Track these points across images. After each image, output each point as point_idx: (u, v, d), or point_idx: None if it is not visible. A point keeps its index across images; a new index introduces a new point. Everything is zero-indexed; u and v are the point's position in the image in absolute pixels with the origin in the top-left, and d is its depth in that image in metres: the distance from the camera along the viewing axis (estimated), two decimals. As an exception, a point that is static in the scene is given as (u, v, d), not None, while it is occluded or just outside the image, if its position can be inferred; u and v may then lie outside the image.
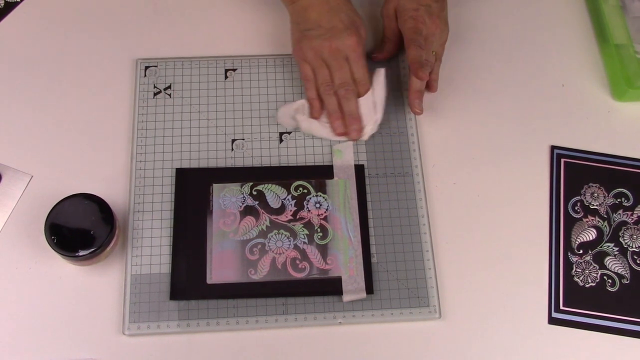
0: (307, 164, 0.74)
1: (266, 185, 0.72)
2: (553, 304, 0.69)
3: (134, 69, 0.78)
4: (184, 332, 0.66)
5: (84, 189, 0.67)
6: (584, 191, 0.75)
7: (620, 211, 0.74)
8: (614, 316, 0.69)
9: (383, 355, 0.66)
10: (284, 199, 0.71)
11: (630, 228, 0.73)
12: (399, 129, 0.76)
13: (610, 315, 0.69)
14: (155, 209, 0.71)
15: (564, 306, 0.69)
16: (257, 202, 0.71)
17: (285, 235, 0.70)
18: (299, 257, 0.69)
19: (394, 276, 0.69)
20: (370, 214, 0.72)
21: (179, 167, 0.73)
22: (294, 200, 0.71)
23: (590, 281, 0.71)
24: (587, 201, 0.74)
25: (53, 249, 0.64)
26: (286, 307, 0.67)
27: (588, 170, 0.76)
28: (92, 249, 0.64)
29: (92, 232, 0.64)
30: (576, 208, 0.74)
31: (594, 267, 0.71)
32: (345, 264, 0.69)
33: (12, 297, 0.67)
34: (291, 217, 0.71)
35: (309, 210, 0.71)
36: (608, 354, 0.68)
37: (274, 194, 0.71)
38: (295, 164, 0.74)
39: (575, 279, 0.71)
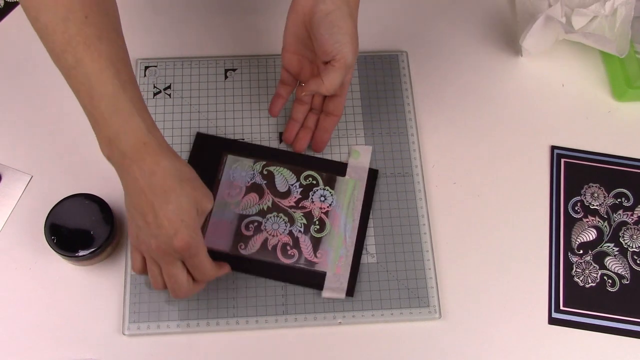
0: (324, 156, 0.74)
1: (278, 167, 0.72)
2: (553, 304, 0.69)
3: (134, 69, 0.78)
4: (184, 332, 0.66)
5: (84, 189, 0.67)
6: (584, 191, 0.75)
7: (621, 211, 0.74)
8: (614, 316, 0.69)
9: (383, 355, 0.66)
10: (292, 185, 0.72)
11: (631, 228, 0.73)
12: (399, 129, 0.76)
13: (610, 316, 0.69)
14: (155, 209, 0.71)
15: (564, 306, 0.69)
16: (265, 182, 0.72)
17: (284, 220, 0.70)
18: (291, 243, 0.69)
19: (394, 276, 0.69)
20: (370, 213, 0.72)
21: (199, 132, 0.74)
22: (301, 189, 0.72)
23: (590, 281, 0.71)
24: (587, 201, 0.74)
25: (53, 249, 0.64)
26: (286, 307, 0.67)
27: (588, 170, 0.76)
28: (92, 249, 0.64)
29: (92, 232, 0.64)
30: (576, 208, 0.74)
31: (594, 267, 0.71)
32: (334, 261, 0.69)
33: (12, 297, 0.67)
34: (294, 204, 0.71)
35: (312, 202, 0.71)
36: (608, 354, 0.68)
37: (283, 177, 0.72)
38: (312, 154, 0.74)
39: (576, 279, 0.71)
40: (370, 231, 0.71)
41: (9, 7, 0.81)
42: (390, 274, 0.69)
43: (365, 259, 0.70)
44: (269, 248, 0.69)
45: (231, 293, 0.68)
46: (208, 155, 0.73)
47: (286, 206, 0.71)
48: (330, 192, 0.72)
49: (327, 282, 0.68)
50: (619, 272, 0.71)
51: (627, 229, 0.73)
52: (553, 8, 0.77)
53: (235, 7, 0.83)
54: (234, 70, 0.79)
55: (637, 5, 0.79)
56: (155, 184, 0.55)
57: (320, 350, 0.66)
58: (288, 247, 0.69)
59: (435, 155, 0.76)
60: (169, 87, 0.77)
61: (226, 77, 0.78)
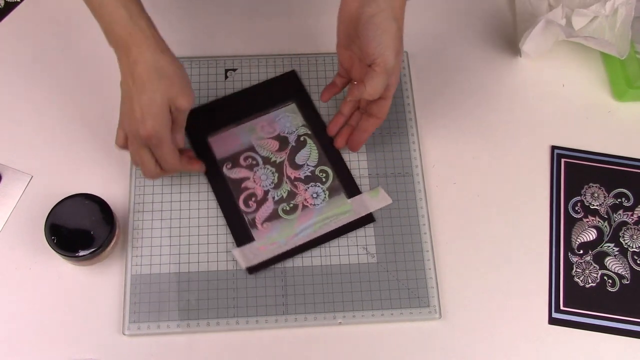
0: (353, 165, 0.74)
1: (313, 144, 0.74)
2: (553, 304, 0.69)
3: (134, 69, 0.78)
4: (184, 332, 0.66)
5: (84, 189, 0.67)
6: (584, 191, 0.75)
7: (621, 211, 0.74)
8: (614, 316, 0.69)
9: (383, 355, 0.66)
10: (307, 165, 0.73)
11: (631, 228, 0.73)
12: (399, 129, 0.76)
13: (611, 316, 0.69)
14: (155, 209, 0.71)
15: (564, 306, 0.69)
16: (293, 145, 0.74)
17: (272, 179, 0.72)
18: (258, 198, 0.71)
19: (394, 276, 0.69)
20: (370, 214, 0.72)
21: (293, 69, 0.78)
22: (309, 175, 0.73)
23: (590, 281, 0.71)
24: (587, 201, 0.74)
25: (53, 249, 0.64)
26: (286, 307, 0.67)
27: (588, 170, 0.76)
28: (92, 249, 0.64)
29: (92, 232, 0.64)
30: (576, 208, 0.74)
31: (594, 267, 0.71)
32: (269, 240, 0.69)
33: (12, 297, 0.67)
34: (292, 178, 0.72)
35: (305, 190, 0.72)
36: (608, 354, 0.68)
37: (308, 154, 0.74)
38: (348, 153, 0.75)
39: (576, 279, 0.71)
40: (370, 231, 0.71)
41: (9, 7, 0.81)
42: (390, 274, 0.69)
43: (365, 259, 0.70)
44: (241, 186, 0.72)
45: (231, 293, 0.68)
46: (283, 88, 0.77)
47: (286, 173, 0.72)
48: (324, 197, 0.72)
49: (245, 248, 0.69)
50: (619, 272, 0.71)
51: (627, 229, 0.73)
52: (553, 12, 0.76)
53: (235, 7, 0.83)
54: (234, 70, 0.79)
55: (637, 6, 0.79)
56: (136, 74, 0.61)
57: (320, 350, 0.66)
58: (253, 199, 0.71)
59: (435, 155, 0.76)
60: (169, 87, 0.77)
61: (226, 77, 0.78)
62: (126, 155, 0.73)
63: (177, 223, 0.70)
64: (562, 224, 0.73)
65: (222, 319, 0.66)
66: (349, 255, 0.70)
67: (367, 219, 0.71)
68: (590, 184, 0.75)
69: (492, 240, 0.72)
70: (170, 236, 0.69)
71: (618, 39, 0.77)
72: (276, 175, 0.72)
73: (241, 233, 0.69)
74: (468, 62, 0.81)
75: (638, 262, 0.72)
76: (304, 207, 0.71)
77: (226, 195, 0.71)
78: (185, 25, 0.81)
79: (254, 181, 0.72)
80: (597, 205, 0.74)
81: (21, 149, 0.73)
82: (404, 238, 0.71)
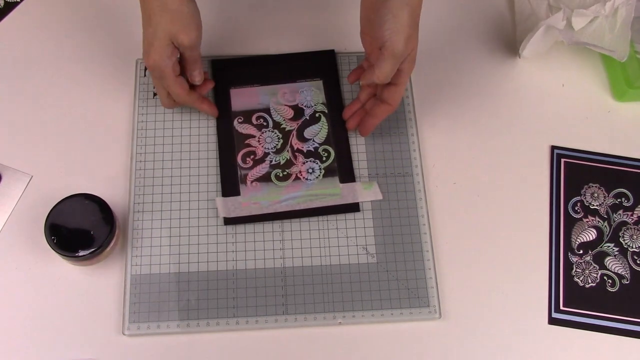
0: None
1: (325, 122, 0.75)
2: (553, 304, 0.69)
3: (134, 69, 0.78)
4: (184, 332, 0.66)
5: (84, 189, 0.67)
6: (584, 191, 0.75)
7: (621, 211, 0.74)
8: (614, 316, 0.69)
9: (383, 355, 0.66)
10: (314, 141, 0.74)
11: (631, 228, 0.73)
12: (399, 129, 0.76)
13: (610, 316, 0.69)
14: (155, 209, 0.71)
15: (564, 306, 0.69)
16: (306, 118, 0.75)
17: (276, 145, 0.74)
18: (257, 157, 0.73)
19: (394, 276, 0.69)
20: (370, 214, 0.72)
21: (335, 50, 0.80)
22: (312, 150, 0.74)
23: (590, 281, 0.71)
24: (587, 201, 0.74)
25: (53, 249, 0.64)
26: (286, 307, 0.67)
27: (588, 170, 0.76)
28: (92, 249, 0.64)
29: (92, 232, 0.64)
30: (576, 208, 0.74)
31: (594, 267, 0.71)
32: (251, 198, 0.71)
33: (12, 297, 0.67)
34: (295, 149, 0.73)
35: (303, 163, 0.73)
36: (608, 354, 0.68)
37: (318, 130, 0.75)
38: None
39: (575, 279, 0.71)
40: (370, 231, 0.71)
41: (9, 7, 0.81)
42: (390, 274, 0.69)
43: (365, 258, 0.70)
44: (245, 142, 0.74)
45: (231, 293, 0.68)
46: (317, 64, 0.78)
47: (290, 142, 0.74)
48: (318, 175, 0.73)
49: (228, 200, 0.70)
50: (619, 272, 0.71)
51: (627, 229, 0.73)
52: (554, 17, 0.76)
53: (235, 7, 0.83)
54: None
55: (637, 6, 0.79)
56: (146, 7, 0.65)
57: (320, 350, 0.66)
58: (252, 157, 0.73)
59: (435, 155, 0.76)
60: (169, 87, 0.77)
61: None
62: (126, 156, 0.73)
63: (177, 223, 0.70)
64: (562, 224, 0.73)
65: (222, 319, 0.66)
66: (348, 255, 0.70)
67: (351, 207, 0.71)
68: (590, 184, 0.75)
69: (492, 240, 0.72)
70: (170, 236, 0.70)
71: (618, 40, 0.77)
72: (281, 141, 0.74)
73: (230, 185, 0.71)
74: (468, 62, 0.81)
75: (638, 262, 0.72)
76: (297, 178, 0.72)
77: (228, 146, 0.73)
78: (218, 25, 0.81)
79: (258, 141, 0.74)
80: (597, 205, 0.74)
81: (21, 149, 0.73)
82: (404, 238, 0.71)
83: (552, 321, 0.69)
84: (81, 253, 0.64)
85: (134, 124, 0.74)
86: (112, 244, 0.66)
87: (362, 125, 0.73)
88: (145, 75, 0.77)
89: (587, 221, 0.73)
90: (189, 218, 0.71)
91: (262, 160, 0.73)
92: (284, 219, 0.71)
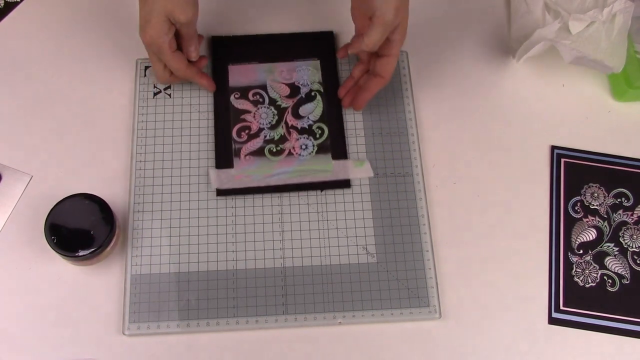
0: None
1: (320, 100, 0.76)
2: (553, 304, 0.69)
3: (134, 69, 0.78)
4: (184, 332, 0.66)
5: (84, 189, 0.67)
6: (584, 191, 0.75)
7: (621, 211, 0.74)
8: (614, 316, 0.69)
9: (383, 355, 0.66)
10: (308, 119, 0.75)
11: (631, 228, 0.73)
12: (399, 129, 0.76)
13: (611, 316, 0.69)
14: (155, 209, 0.71)
15: (564, 306, 0.69)
16: (302, 96, 0.76)
17: (271, 120, 0.75)
18: (251, 132, 0.74)
19: (394, 276, 0.69)
20: (370, 214, 0.72)
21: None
22: (306, 127, 0.75)
23: (590, 281, 0.71)
24: (587, 201, 0.74)
25: (53, 249, 0.64)
26: (286, 307, 0.67)
27: (588, 170, 0.76)
28: (92, 249, 0.64)
29: (92, 232, 0.64)
30: (576, 208, 0.74)
31: (594, 267, 0.71)
32: (243, 172, 0.72)
33: (12, 297, 0.67)
34: (289, 125, 0.75)
35: (297, 139, 0.74)
36: (608, 354, 0.68)
37: (313, 108, 0.76)
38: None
39: (575, 279, 0.71)
40: (370, 231, 0.71)
41: (9, 7, 0.81)
42: (390, 274, 0.69)
43: (365, 258, 0.70)
44: (240, 117, 0.75)
45: (231, 293, 0.68)
46: (315, 44, 0.79)
47: (286, 118, 0.75)
48: (311, 151, 0.74)
49: (222, 172, 0.72)
50: (619, 272, 0.71)
51: (627, 229, 0.73)
52: (549, 28, 0.76)
53: (234, 7, 0.83)
54: None
55: (637, 6, 0.79)
56: None
57: (320, 350, 0.66)
58: (247, 131, 0.74)
59: (435, 155, 0.76)
60: (169, 87, 0.77)
61: None
62: (126, 156, 0.73)
63: (177, 223, 0.70)
64: (562, 224, 0.73)
65: (222, 319, 0.67)
66: (348, 255, 0.70)
67: (343, 184, 0.73)
68: (590, 183, 0.75)
69: (492, 240, 0.72)
70: (170, 236, 0.70)
71: (614, 47, 0.76)
72: (276, 117, 0.75)
73: (224, 158, 0.73)
74: (468, 62, 0.81)
75: (638, 262, 0.72)
76: (290, 154, 0.74)
77: (224, 120, 0.75)
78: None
79: (254, 116, 0.75)
80: (597, 205, 0.74)
81: (21, 149, 0.73)
82: (404, 238, 0.71)
83: (552, 321, 0.69)
84: (81, 253, 0.64)
85: (134, 124, 0.74)
86: (112, 244, 0.66)
87: (355, 100, 0.74)
88: (145, 75, 0.77)
89: (587, 221, 0.73)
90: (189, 218, 0.71)
91: (256, 135, 0.74)
92: (274, 193, 0.72)
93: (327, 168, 0.73)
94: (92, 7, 0.81)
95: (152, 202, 0.71)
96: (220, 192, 0.71)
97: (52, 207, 0.65)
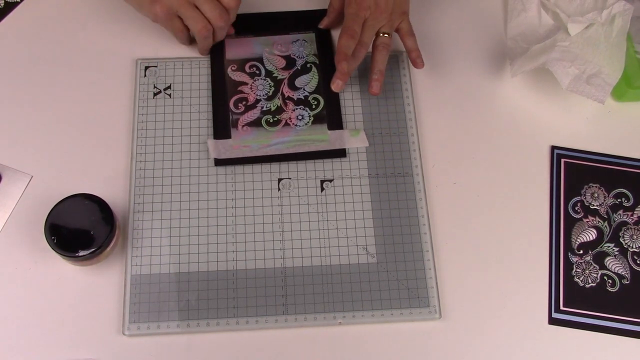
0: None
1: (315, 74, 0.78)
2: (553, 304, 0.69)
3: (134, 69, 0.78)
4: (184, 333, 0.66)
5: (84, 189, 0.67)
6: (584, 191, 0.75)
7: (621, 211, 0.74)
8: (614, 316, 0.69)
9: (383, 355, 0.66)
10: (304, 90, 0.77)
11: (631, 228, 0.73)
12: (399, 129, 0.76)
13: (611, 316, 0.69)
14: (155, 209, 0.71)
15: (564, 306, 0.69)
16: (298, 68, 0.78)
17: (268, 92, 0.76)
18: (248, 103, 0.75)
19: (394, 276, 0.69)
20: (370, 214, 0.72)
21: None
22: (301, 98, 0.76)
23: (590, 281, 0.71)
24: (587, 201, 0.74)
25: (53, 249, 0.64)
26: (286, 307, 0.67)
27: (588, 170, 0.76)
28: (92, 249, 0.64)
29: (92, 232, 0.64)
30: (576, 208, 0.74)
31: (594, 267, 0.71)
32: (241, 142, 0.73)
33: (12, 297, 0.67)
34: (286, 95, 0.76)
35: (293, 110, 0.76)
36: (608, 354, 0.68)
37: (308, 80, 0.77)
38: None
39: (576, 279, 0.71)
40: (370, 231, 0.71)
41: (9, 7, 0.81)
42: (390, 274, 0.69)
43: (365, 259, 0.70)
44: (237, 88, 0.76)
45: (231, 293, 0.68)
46: (310, 19, 0.81)
47: (282, 90, 0.76)
48: (307, 121, 0.75)
49: (220, 142, 0.73)
50: (619, 272, 0.71)
51: (627, 229, 0.73)
52: (546, 49, 0.76)
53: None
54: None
55: (637, 6, 0.79)
56: None
57: (320, 350, 0.66)
58: (244, 102, 0.76)
59: (435, 155, 0.76)
60: (169, 87, 0.77)
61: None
62: (126, 156, 0.73)
63: (177, 223, 0.70)
64: (562, 224, 0.73)
65: (222, 319, 0.67)
66: (348, 255, 0.70)
67: (338, 153, 0.74)
68: (590, 184, 0.75)
69: (492, 240, 0.72)
70: (170, 236, 0.70)
71: (613, 49, 0.76)
72: (272, 89, 0.77)
73: (221, 129, 0.74)
74: (468, 62, 0.81)
75: (638, 262, 0.72)
76: (286, 124, 0.75)
77: (221, 92, 0.76)
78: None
79: (251, 88, 0.76)
80: (597, 205, 0.74)
81: (21, 149, 0.73)
82: (404, 238, 0.71)
83: (552, 321, 0.69)
84: (81, 253, 0.64)
85: (134, 124, 0.74)
86: (112, 244, 0.66)
87: (414, 62, 0.77)
88: (145, 76, 0.77)
89: (587, 221, 0.73)
90: (189, 218, 0.71)
91: (253, 106, 0.75)
92: (273, 162, 0.73)
93: (324, 138, 0.74)
94: (92, 7, 0.81)
95: (152, 202, 0.71)
96: (219, 162, 0.72)
97: (52, 207, 0.65)
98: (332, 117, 0.76)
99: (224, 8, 0.72)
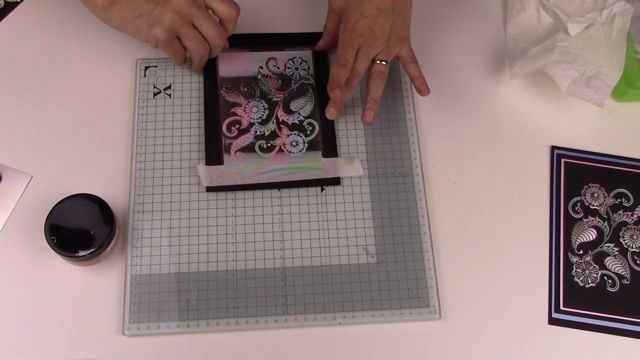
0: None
1: (311, 97, 0.76)
2: (553, 304, 0.69)
3: (134, 69, 0.78)
4: (184, 333, 0.66)
5: (84, 189, 0.67)
6: (584, 191, 0.75)
7: (621, 211, 0.74)
8: (614, 316, 0.69)
9: (383, 355, 0.66)
10: (299, 114, 0.75)
11: (631, 228, 0.73)
12: (399, 129, 0.76)
13: (611, 316, 0.69)
14: (155, 209, 0.71)
15: (564, 306, 0.69)
16: (293, 89, 0.76)
17: (262, 115, 0.75)
18: (241, 127, 0.74)
19: (394, 276, 0.69)
20: (370, 214, 0.72)
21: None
22: (297, 123, 0.75)
23: (590, 281, 0.71)
24: (587, 201, 0.74)
25: (53, 249, 0.64)
26: (286, 307, 0.67)
27: (588, 170, 0.76)
28: (92, 249, 0.64)
29: (92, 232, 0.64)
30: (576, 208, 0.74)
31: (594, 267, 0.71)
32: (233, 168, 0.72)
33: (12, 297, 0.67)
34: (280, 120, 0.74)
35: (287, 136, 0.74)
36: (608, 354, 0.68)
37: (304, 103, 0.76)
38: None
39: (576, 279, 0.71)
40: (370, 231, 0.71)
41: (9, 7, 0.81)
42: (390, 274, 0.69)
43: (365, 259, 0.70)
44: (230, 110, 0.74)
45: (231, 293, 0.68)
46: (307, 37, 0.79)
47: (276, 113, 0.75)
48: (302, 148, 0.73)
49: (211, 168, 0.71)
50: (619, 272, 0.71)
51: (627, 229, 0.73)
52: (543, 50, 0.76)
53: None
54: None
55: (637, 5, 0.79)
56: None
57: (320, 350, 0.66)
58: (237, 126, 0.74)
59: (435, 155, 0.76)
60: (169, 87, 0.77)
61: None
62: (126, 156, 0.73)
63: (177, 223, 0.70)
64: (562, 224, 0.73)
65: (222, 319, 0.67)
66: (348, 255, 0.70)
67: (332, 181, 0.73)
68: (590, 184, 0.75)
69: (492, 240, 0.72)
70: (170, 236, 0.70)
71: (613, 49, 0.76)
72: (267, 112, 0.75)
73: (213, 154, 0.72)
74: (468, 62, 0.81)
75: (638, 262, 0.72)
76: (280, 151, 0.73)
77: (213, 114, 0.74)
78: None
79: (244, 110, 0.75)
80: (597, 206, 0.74)
81: (21, 149, 0.73)
82: (404, 238, 0.71)
83: (552, 321, 0.69)
84: (81, 253, 0.64)
85: (134, 124, 0.74)
86: (112, 244, 0.66)
87: (419, 90, 0.74)
88: (145, 76, 0.77)
89: (587, 221, 0.73)
90: (189, 218, 0.71)
91: (247, 130, 0.74)
92: (265, 189, 0.72)
93: (318, 166, 0.73)
94: (92, 7, 0.81)
95: (152, 202, 0.71)
96: (210, 189, 0.71)
97: (52, 207, 0.65)
98: (326, 144, 0.74)
99: (222, 27, 0.70)
